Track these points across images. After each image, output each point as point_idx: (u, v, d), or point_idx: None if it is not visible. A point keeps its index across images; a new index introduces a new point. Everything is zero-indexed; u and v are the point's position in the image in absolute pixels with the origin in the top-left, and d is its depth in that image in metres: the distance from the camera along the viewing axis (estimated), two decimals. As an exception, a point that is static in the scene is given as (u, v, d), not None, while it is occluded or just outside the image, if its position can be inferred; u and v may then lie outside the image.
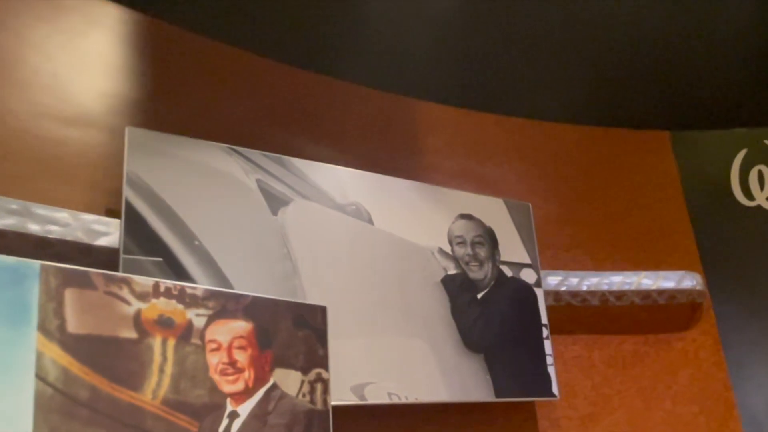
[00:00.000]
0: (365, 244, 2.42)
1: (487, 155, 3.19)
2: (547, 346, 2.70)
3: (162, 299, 1.58)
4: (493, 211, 2.80)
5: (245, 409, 1.65)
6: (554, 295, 2.88)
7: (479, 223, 2.73)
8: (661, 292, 2.98)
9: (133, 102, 2.36)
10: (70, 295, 1.43)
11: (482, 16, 2.88)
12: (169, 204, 2.06)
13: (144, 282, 1.58)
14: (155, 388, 1.50)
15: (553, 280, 2.88)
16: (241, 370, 1.67)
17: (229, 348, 1.67)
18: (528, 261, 2.80)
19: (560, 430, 2.84)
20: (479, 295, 2.62)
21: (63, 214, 1.94)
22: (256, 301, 1.77)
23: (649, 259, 3.17)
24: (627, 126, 3.46)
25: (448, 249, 2.61)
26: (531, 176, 3.24)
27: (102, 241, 1.96)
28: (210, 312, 1.66)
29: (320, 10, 2.71)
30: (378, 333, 2.31)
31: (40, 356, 1.35)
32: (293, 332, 1.82)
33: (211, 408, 1.59)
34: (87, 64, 2.31)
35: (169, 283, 1.62)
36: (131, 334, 1.51)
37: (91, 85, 2.29)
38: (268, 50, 2.75)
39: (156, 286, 1.59)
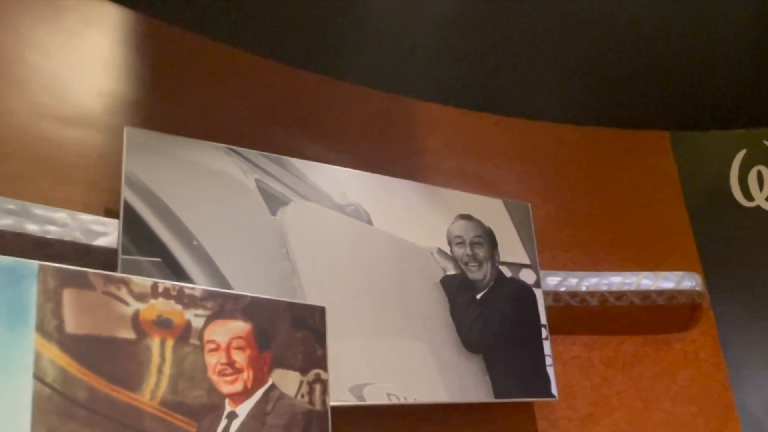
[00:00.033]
0: (364, 244, 2.42)
1: (486, 155, 3.19)
2: (546, 346, 2.70)
3: (160, 300, 1.58)
4: (493, 212, 2.80)
5: (244, 409, 1.65)
6: (553, 296, 2.87)
7: (478, 223, 2.73)
8: (660, 292, 2.98)
9: (131, 102, 2.36)
10: (68, 295, 1.43)
11: (482, 16, 2.88)
12: (167, 204, 2.05)
13: (142, 282, 1.58)
14: (153, 388, 1.50)
15: (553, 281, 2.88)
16: (239, 371, 1.67)
17: (228, 348, 1.67)
18: (527, 261, 2.80)
19: (559, 431, 2.84)
20: (478, 296, 2.62)
21: (61, 214, 1.94)
22: (255, 301, 1.76)
23: (649, 259, 3.17)
24: (626, 126, 3.46)
25: (447, 249, 2.61)
26: (530, 176, 3.24)
27: (100, 242, 1.96)
28: (208, 312, 1.65)
29: (320, 10, 2.71)
30: (377, 333, 2.31)
31: (38, 357, 1.35)
32: (292, 333, 1.81)
33: (210, 409, 1.59)
34: (86, 64, 2.31)
35: (168, 283, 1.62)
36: (129, 334, 1.50)
37: (90, 85, 2.29)
38: (267, 50, 2.75)
39: (154, 286, 1.59)
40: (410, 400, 2.30)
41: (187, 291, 1.64)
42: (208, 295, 1.68)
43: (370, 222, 2.47)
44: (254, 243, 2.18)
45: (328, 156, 2.64)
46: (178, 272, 1.99)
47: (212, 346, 1.64)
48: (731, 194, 3.33)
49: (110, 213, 2.06)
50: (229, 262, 2.09)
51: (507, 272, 2.73)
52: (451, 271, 2.58)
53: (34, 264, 1.41)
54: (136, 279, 1.58)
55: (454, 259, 2.61)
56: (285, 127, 2.70)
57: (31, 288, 1.38)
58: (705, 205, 3.34)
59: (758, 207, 3.30)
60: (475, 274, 2.64)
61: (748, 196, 3.32)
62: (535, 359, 2.67)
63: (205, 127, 2.42)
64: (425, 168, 2.98)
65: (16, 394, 1.31)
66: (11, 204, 1.87)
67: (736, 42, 3.09)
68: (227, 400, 1.63)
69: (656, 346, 3.08)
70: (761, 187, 3.32)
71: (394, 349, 2.33)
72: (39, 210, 1.91)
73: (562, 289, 2.89)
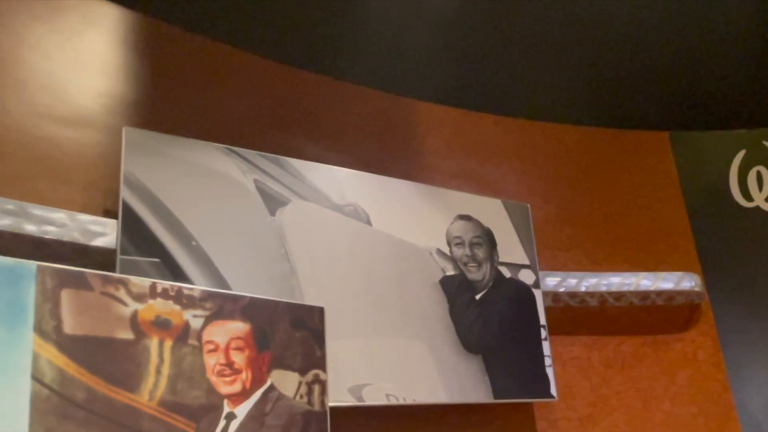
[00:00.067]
0: (363, 244, 2.42)
1: (486, 156, 3.19)
2: (546, 347, 2.70)
3: (159, 300, 1.58)
4: (492, 212, 2.80)
5: (242, 410, 1.65)
6: (553, 296, 2.87)
7: (477, 223, 2.73)
8: (659, 292, 2.98)
9: (130, 102, 2.36)
10: (66, 295, 1.43)
11: (482, 16, 2.88)
12: (166, 204, 2.05)
13: (141, 283, 1.57)
14: (152, 389, 1.50)
15: (552, 281, 2.88)
16: (238, 372, 1.67)
17: (227, 349, 1.67)
18: (526, 262, 2.80)
19: (559, 431, 2.84)
20: (477, 296, 2.62)
21: (60, 215, 1.94)
22: (254, 302, 1.76)
23: (648, 259, 3.17)
24: (626, 126, 3.46)
25: (446, 250, 2.60)
26: (530, 177, 3.24)
27: (99, 242, 1.96)
28: (207, 313, 1.65)
29: (320, 10, 2.71)
30: (376, 334, 2.31)
31: (36, 357, 1.35)
32: (291, 333, 1.81)
33: (208, 409, 1.58)
34: (84, 64, 2.31)
35: (166, 283, 1.62)
36: (128, 335, 1.50)
37: (88, 85, 2.29)
38: (267, 50, 2.74)
39: (153, 286, 1.58)
40: (409, 401, 2.30)
41: (186, 291, 1.64)
42: (207, 296, 1.67)
43: (369, 222, 2.46)
44: (253, 243, 2.18)
45: (327, 156, 2.64)
46: (176, 272, 1.99)
47: (211, 346, 1.64)
48: (731, 194, 3.33)
49: (109, 213, 2.06)
50: (228, 262, 2.09)
51: (506, 273, 2.72)
52: (451, 272, 2.58)
53: (33, 264, 1.41)
54: (134, 279, 1.57)
55: (453, 260, 2.61)
56: (284, 127, 2.70)
57: (30, 288, 1.38)
58: (704, 205, 3.34)
59: (757, 207, 3.30)
60: (474, 274, 2.63)
61: (748, 196, 3.32)
62: (535, 360, 2.66)
63: (204, 127, 2.42)
64: (424, 168, 2.98)
65: (14, 394, 1.30)
66: (9, 204, 1.86)
67: (736, 42, 3.09)
68: (226, 401, 1.62)
69: (655, 346, 3.08)
70: (760, 187, 3.32)
71: (393, 350, 2.32)
72: (37, 210, 1.91)
73: (562, 289, 2.88)
